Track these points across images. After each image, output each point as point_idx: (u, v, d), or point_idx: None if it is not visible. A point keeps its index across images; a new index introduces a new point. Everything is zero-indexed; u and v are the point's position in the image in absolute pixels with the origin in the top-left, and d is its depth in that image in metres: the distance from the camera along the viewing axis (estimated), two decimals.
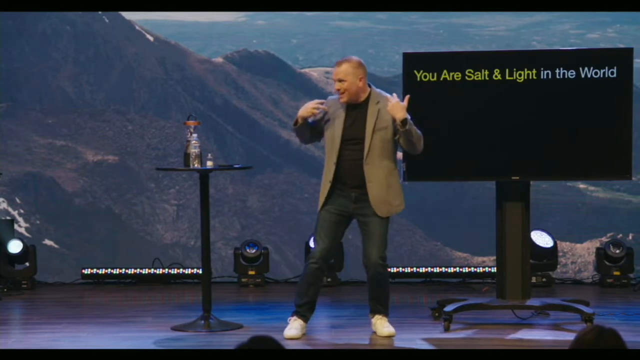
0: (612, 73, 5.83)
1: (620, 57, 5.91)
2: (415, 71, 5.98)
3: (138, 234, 7.98)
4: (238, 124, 8.04)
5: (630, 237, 7.67)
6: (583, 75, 5.86)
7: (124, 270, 7.74)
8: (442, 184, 7.48)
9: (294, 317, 5.78)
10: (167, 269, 7.77)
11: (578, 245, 7.80)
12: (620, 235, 7.67)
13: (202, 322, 6.03)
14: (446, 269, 7.68)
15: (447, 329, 5.85)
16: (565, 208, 7.86)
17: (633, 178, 6.15)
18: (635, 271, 7.47)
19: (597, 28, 7.83)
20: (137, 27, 8.05)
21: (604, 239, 7.66)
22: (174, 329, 6.00)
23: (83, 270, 7.76)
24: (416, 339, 5.67)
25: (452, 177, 6.20)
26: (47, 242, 7.93)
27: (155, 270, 7.76)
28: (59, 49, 8.04)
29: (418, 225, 7.89)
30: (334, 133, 5.71)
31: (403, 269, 7.69)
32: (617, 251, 7.41)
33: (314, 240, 5.85)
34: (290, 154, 8.01)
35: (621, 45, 7.44)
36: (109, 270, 7.75)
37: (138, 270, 7.75)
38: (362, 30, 8.01)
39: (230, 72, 8.07)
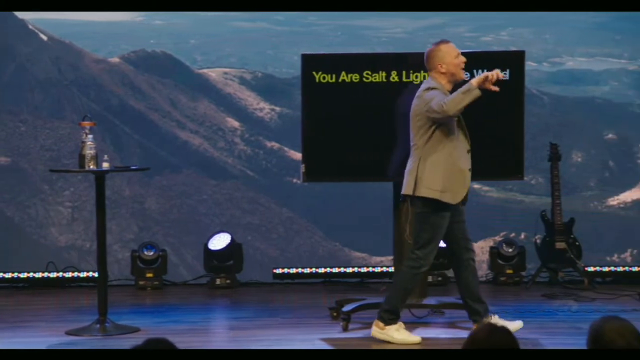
0: (505, 75, 5.96)
1: (513, 59, 6.04)
2: (314, 72, 6.00)
3: (32, 237, 7.80)
4: (135, 125, 7.93)
5: (522, 236, 7.85)
6: None
7: (16, 274, 7.56)
8: (341, 185, 7.52)
9: (400, 322, 5.59)
10: (61, 272, 7.62)
11: (473, 244, 7.93)
12: (513, 235, 7.85)
13: (98, 325, 5.95)
14: (345, 269, 7.73)
15: (345, 329, 5.89)
16: None
17: (525, 178, 6.31)
18: (527, 269, 7.65)
19: (490, 31, 8.00)
20: (30, 26, 7.87)
21: (498, 238, 7.83)
22: (69, 333, 5.89)
23: None
24: (314, 339, 5.69)
25: (350, 178, 6.24)
26: None
27: (49, 274, 7.60)
28: None
29: (317, 225, 7.92)
30: (460, 118, 5.45)
31: (302, 270, 7.71)
32: (510, 250, 7.58)
33: (427, 241, 5.48)
34: (188, 155, 7.94)
35: (513, 48, 7.61)
36: (1, 274, 7.55)
37: (31, 274, 7.58)
38: (261, 32, 8.00)
39: (127, 72, 7.96)
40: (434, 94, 5.38)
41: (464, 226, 5.59)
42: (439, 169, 5.41)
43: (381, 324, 5.58)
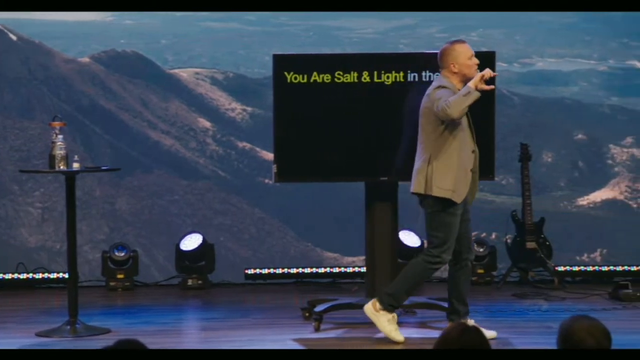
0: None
1: (484, 60, 6.05)
2: (286, 72, 6.00)
3: (1, 238, 7.74)
4: (106, 125, 7.89)
5: (493, 236, 7.89)
6: None
7: None
8: (312, 185, 7.53)
9: (395, 315, 5.56)
10: (31, 274, 7.56)
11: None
12: (483, 235, 7.89)
13: (68, 327, 5.92)
14: (317, 270, 7.73)
15: (317, 329, 5.89)
16: None
17: (495, 178, 6.34)
18: (498, 269, 7.69)
19: (461, 32, 8.01)
20: None
21: None
22: (39, 334, 5.85)
23: None
24: (286, 340, 5.70)
25: (322, 178, 6.25)
26: None
27: (18, 275, 7.54)
28: None
29: (289, 226, 7.92)
30: (466, 117, 5.44)
31: (274, 270, 7.71)
32: (481, 250, 7.61)
33: (442, 241, 5.46)
34: (160, 155, 7.91)
35: (484, 49, 7.64)
36: None
37: (1, 275, 7.51)
38: (232, 32, 7.99)
39: (97, 72, 7.91)
40: (442, 94, 5.38)
41: (469, 225, 5.65)
42: (449, 168, 5.41)
43: (378, 306, 5.54)
